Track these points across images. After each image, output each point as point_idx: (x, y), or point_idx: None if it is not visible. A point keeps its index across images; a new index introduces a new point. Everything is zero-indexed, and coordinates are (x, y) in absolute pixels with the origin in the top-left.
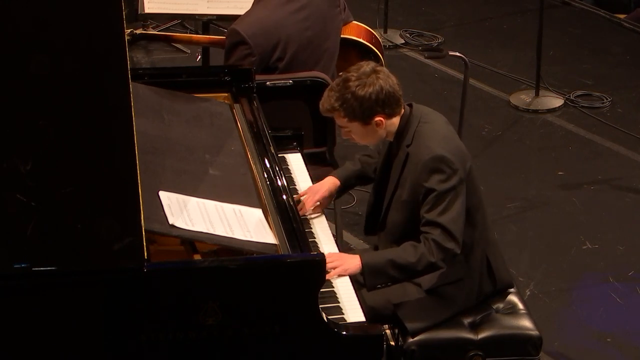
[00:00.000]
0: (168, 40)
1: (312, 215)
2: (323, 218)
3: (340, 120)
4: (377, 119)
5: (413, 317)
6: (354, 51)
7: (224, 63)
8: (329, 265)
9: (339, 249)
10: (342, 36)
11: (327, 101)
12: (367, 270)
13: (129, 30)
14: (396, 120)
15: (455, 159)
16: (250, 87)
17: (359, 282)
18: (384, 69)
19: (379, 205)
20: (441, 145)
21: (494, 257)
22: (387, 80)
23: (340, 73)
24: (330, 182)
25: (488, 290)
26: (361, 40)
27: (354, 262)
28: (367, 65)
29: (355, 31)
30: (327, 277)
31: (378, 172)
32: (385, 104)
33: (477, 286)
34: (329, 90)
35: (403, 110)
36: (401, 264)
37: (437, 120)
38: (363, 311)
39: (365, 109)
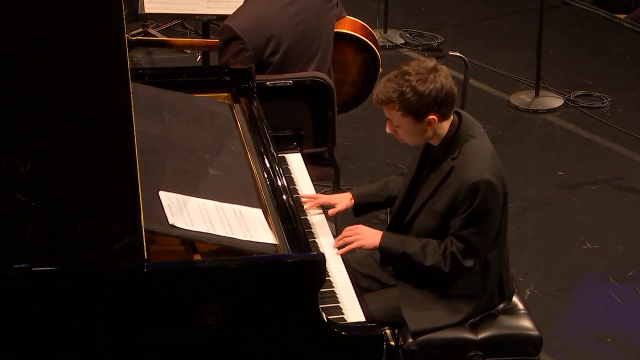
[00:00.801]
0: (164, 45)
1: (313, 215)
2: (323, 218)
3: (393, 114)
4: (431, 117)
5: (417, 320)
6: (349, 46)
7: (219, 59)
8: (347, 239)
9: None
10: (337, 30)
11: (384, 92)
12: (382, 252)
13: None
14: (446, 125)
15: (499, 183)
16: (250, 87)
17: (361, 287)
18: (444, 67)
19: (406, 207)
20: (489, 169)
21: (505, 271)
22: (447, 79)
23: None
24: (347, 198)
25: (496, 303)
26: (357, 34)
27: (372, 239)
28: (430, 62)
29: (349, 26)
30: (341, 252)
31: (410, 173)
32: (442, 103)
33: (487, 301)
34: (387, 81)
35: (453, 116)
36: (415, 262)
37: (482, 135)
38: (363, 311)
39: (421, 105)
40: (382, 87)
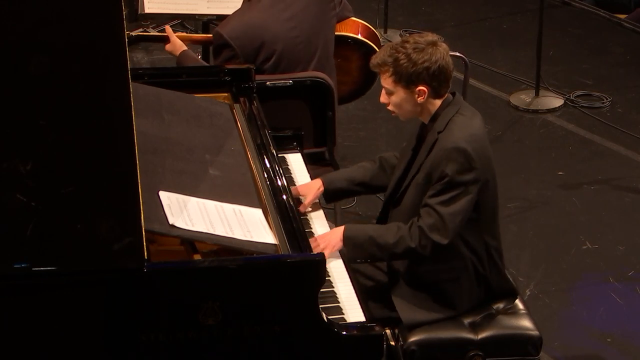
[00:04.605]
0: (163, 41)
1: (311, 214)
2: (323, 218)
3: (385, 81)
4: (421, 88)
5: (409, 310)
6: (352, 47)
7: (213, 64)
8: (318, 251)
9: (339, 250)
10: (339, 33)
11: (380, 56)
12: (348, 242)
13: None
14: (438, 102)
15: (477, 157)
16: (250, 87)
17: (360, 284)
18: (445, 45)
19: (400, 184)
20: (468, 140)
21: (496, 266)
22: (445, 56)
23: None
24: (315, 186)
25: (492, 297)
26: (358, 36)
27: (337, 237)
28: (432, 36)
29: (351, 27)
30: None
31: (405, 154)
32: (434, 77)
33: (481, 294)
34: (385, 47)
35: (447, 95)
36: (380, 244)
37: (475, 118)
38: (363, 311)
39: (413, 74)
40: (380, 52)
